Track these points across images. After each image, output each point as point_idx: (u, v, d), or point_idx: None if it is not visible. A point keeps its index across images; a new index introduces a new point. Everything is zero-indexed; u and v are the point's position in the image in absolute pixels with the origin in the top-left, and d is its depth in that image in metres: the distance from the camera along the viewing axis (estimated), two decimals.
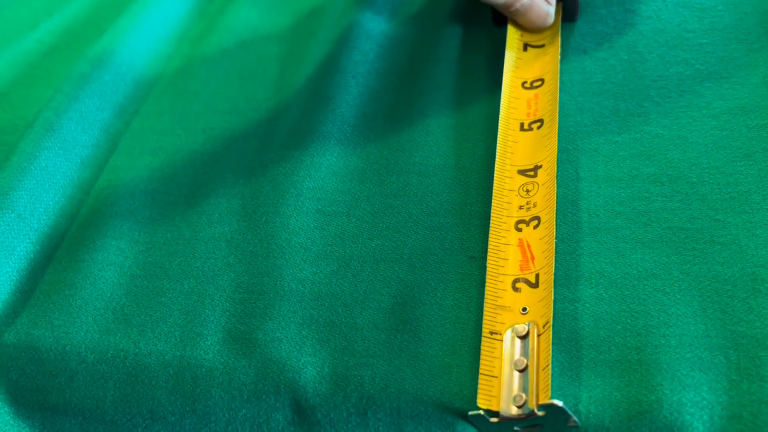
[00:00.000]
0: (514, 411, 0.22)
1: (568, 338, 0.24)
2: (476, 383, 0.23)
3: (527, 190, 0.27)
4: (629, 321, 0.24)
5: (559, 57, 0.32)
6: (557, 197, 0.28)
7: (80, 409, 0.27)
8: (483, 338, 0.24)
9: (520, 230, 0.26)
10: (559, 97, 0.32)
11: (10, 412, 0.27)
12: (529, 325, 0.24)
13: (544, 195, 0.27)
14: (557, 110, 0.30)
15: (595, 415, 0.22)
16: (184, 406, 0.26)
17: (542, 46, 0.33)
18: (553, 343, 0.24)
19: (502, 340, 0.24)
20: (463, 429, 0.23)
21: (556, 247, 0.27)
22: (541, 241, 0.26)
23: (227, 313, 0.27)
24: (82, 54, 0.40)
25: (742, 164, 0.28)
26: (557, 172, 0.29)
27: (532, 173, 0.28)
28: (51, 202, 0.33)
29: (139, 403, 0.26)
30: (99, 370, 0.27)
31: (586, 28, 0.35)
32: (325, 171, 0.31)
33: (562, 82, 0.33)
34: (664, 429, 0.22)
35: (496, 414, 0.22)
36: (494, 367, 0.23)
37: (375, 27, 0.38)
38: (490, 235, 0.27)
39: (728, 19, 0.33)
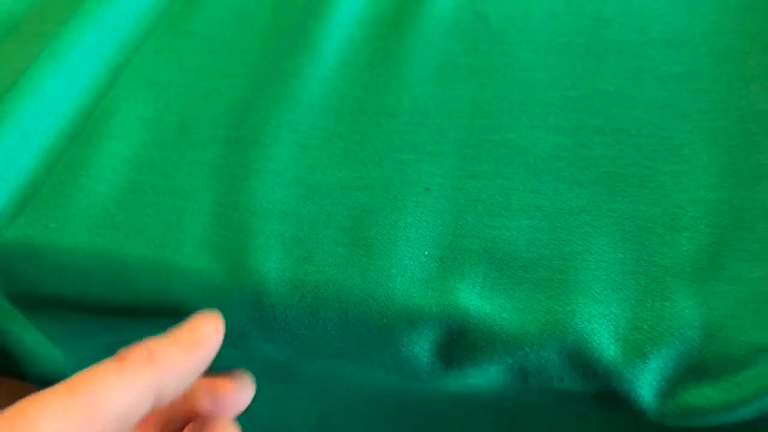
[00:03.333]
0: None
1: (501, 258, 0.27)
2: (419, 291, 0.26)
3: None
4: (557, 247, 0.27)
5: None
6: (509, 143, 0.31)
7: (67, 299, 0.30)
8: None
9: None
10: (526, 54, 0.35)
11: (7, 300, 0.30)
12: None
13: None
14: None
15: (518, 320, 0.25)
16: (159, 302, 0.29)
17: None
18: (487, 262, 0.27)
19: None
20: (400, 332, 0.26)
21: (501, 184, 0.29)
22: None
23: (204, 225, 0.30)
24: None
25: (678, 122, 0.31)
26: (512, 120, 0.32)
27: None
28: (53, 124, 0.36)
29: (120, 295, 0.29)
30: (86, 266, 0.30)
31: None
32: (304, 108, 0.34)
33: (530, 41, 0.35)
34: (574, 334, 0.25)
35: None
36: None
37: None
38: None
39: None
